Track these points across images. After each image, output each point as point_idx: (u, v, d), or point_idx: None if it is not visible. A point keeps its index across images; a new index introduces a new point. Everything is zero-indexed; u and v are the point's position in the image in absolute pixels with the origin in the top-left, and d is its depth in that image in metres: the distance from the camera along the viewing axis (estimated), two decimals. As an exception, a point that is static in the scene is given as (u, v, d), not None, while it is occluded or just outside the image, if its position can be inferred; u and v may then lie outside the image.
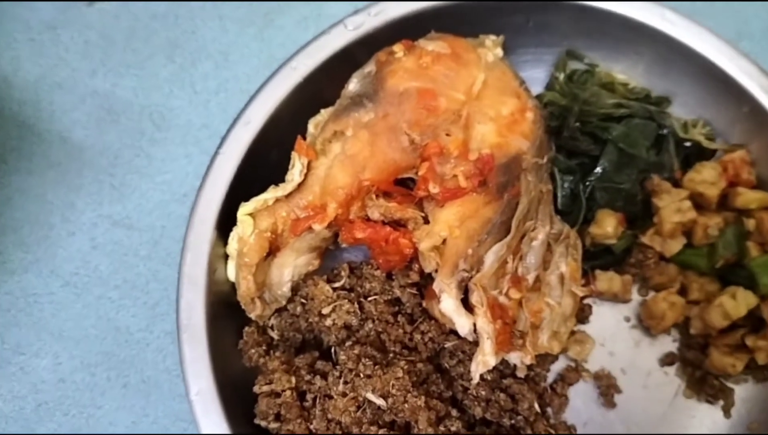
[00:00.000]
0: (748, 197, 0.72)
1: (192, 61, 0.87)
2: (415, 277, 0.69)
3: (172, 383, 0.76)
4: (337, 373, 0.65)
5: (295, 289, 0.70)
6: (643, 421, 0.73)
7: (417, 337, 0.68)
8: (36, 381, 0.76)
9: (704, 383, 0.73)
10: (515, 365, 0.68)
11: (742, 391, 0.73)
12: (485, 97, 0.68)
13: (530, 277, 0.68)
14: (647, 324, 0.74)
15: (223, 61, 0.87)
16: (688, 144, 0.76)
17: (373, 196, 0.67)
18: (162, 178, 0.83)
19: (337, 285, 0.70)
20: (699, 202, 0.73)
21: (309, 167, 0.67)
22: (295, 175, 0.66)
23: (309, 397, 0.66)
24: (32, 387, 0.76)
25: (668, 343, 0.75)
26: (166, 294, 0.79)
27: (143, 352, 0.77)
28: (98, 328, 0.78)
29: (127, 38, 0.87)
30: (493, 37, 0.72)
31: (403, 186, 0.69)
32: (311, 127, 0.70)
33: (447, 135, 0.66)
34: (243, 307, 0.67)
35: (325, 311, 0.68)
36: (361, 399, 0.64)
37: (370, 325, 0.68)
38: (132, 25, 0.88)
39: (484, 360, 0.63)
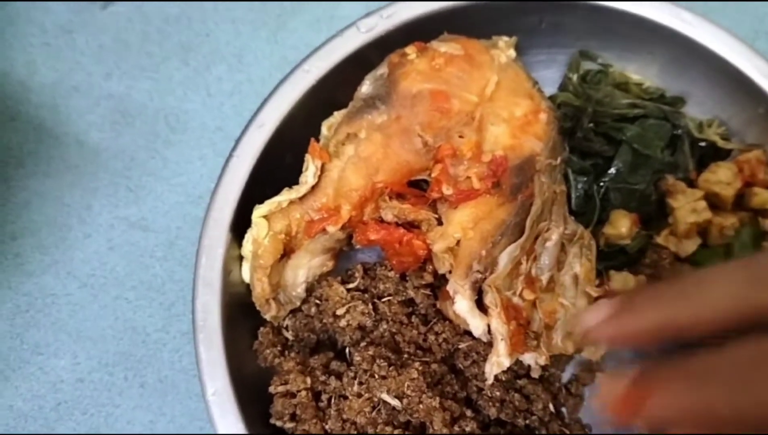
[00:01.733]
0: (764, 197, 0.72)
1: (206, 65, 0.87)
2: (428, 278, 0.69)
3: (188, 383, 0.77)
4: (351, 374, 0.66)
5: (309, 290, 0.70)
6: (658, 421, 0.73)
7: (431, 338, 0.69)
8: (55, 380, 0.77)
9: (720, 384, 0.73)
10: (530, 366, 0.68)
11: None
12: (498, 99, 0.68)
13: (544, 278, 0.68)
14: (662, 324, 0.74)
15: (237, 64, 0.87)
16: (703, 144, 0.76)
17: (387, 198, 0.67)
18: (177, 180, 0.84)
19: (351, 286, 0.70)
20: (714, 203, 0.72)
21: (322, 169, 0.67)
22: (308, 177, 0.67)
23: (324, 397, 0.66)
24: (51, 386, 0.77)
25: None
26: (182, 295, 0.80)
27: (160, 352, 0.78)
28: (115, 328, 0.79)
29: (141, 42, 0.88)
30: (506, 38, 0.72)
31: (416, 188, 0.69)
32: (325, 129, 0.70)
33: (460, 137, 0.66)
34: (258, 308, 0.67)
35: (339, 312, 0.68)
36: (376, 400, 0.64)
37: (384, 326, 0.68)
38: (145, 29, 0.88)
39: (499, 361, 0.63)
